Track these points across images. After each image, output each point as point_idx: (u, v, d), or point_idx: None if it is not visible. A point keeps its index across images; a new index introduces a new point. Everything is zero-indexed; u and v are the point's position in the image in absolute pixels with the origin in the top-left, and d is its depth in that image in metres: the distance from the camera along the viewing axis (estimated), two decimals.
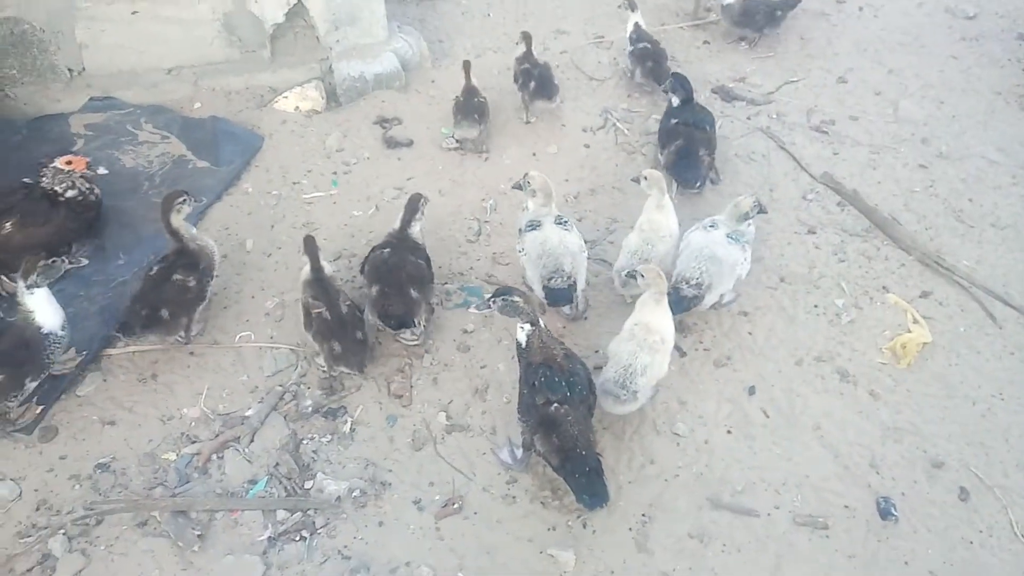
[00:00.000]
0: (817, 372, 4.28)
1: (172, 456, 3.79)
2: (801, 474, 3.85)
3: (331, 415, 4.01)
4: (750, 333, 4.46)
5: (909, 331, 4.44)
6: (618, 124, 5.84)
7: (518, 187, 4.44)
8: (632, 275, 3.98)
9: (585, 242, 4.87)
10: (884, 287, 4.73)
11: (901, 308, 4.58)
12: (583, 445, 3.42)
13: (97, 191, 4.50)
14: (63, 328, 3.71)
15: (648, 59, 5.99)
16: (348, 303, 4.08)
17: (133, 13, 5.33)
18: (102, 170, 4.55)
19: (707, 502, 3.74)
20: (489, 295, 3.68)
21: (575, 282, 4.17)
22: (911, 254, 4.92)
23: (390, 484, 3.76)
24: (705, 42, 6.80)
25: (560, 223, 4.30)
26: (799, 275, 4.78)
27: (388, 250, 4.22)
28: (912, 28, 7.03)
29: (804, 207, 5.26)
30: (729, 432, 4.02)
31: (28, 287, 3.62)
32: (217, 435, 3.86)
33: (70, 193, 4.35)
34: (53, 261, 3.71)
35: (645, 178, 4.43)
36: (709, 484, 3.81)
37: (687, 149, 5.15)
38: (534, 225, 4.30)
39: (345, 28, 5.82)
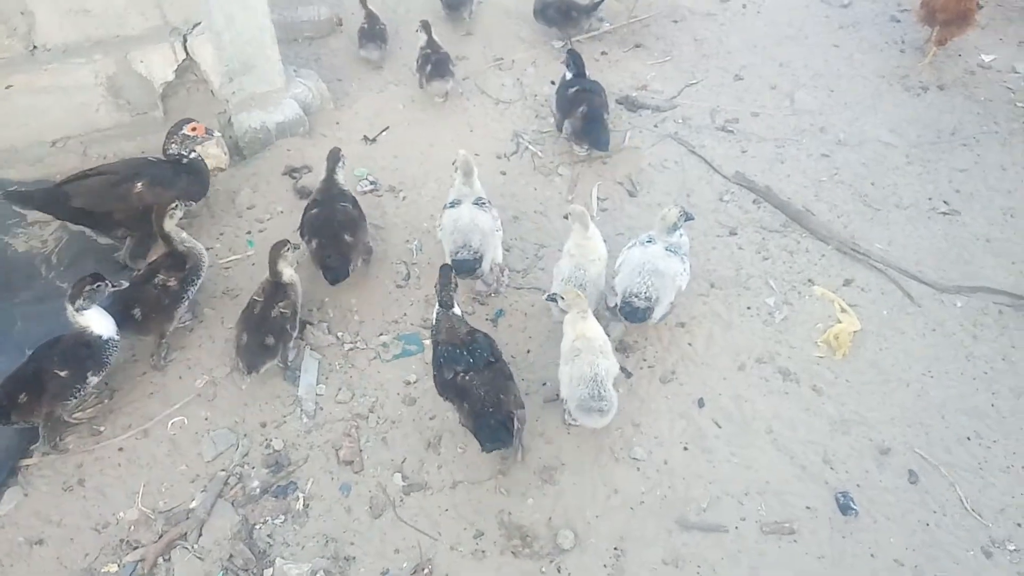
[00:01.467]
0: (760, 374, 4.30)
1: (113, 568, 3.46)
2: (761, 481, 3.85)
3: (281, 493, 3.76)
4: (690, 344, 4.44)
5: (839, 321, 4.52)
6: (531, 147, 5.75)
7: (453, 164, 4.67)
8: (552, 298, 3.98)
9: (516, 271, 4.82)
10: (809, 280, 4.80)
11: (828, 299, 4.67)
12: (491, 403, 3.55)
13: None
14: (117, 334, 3.88)
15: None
16: (283, 310, 4.08)
17: (7, 88, 4.88)
18: (216, 133, 4.95)
19: (676, 525, 3.68)
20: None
21: (481, 256, 4.34)
22: (829, 244, 5.02)
23: (354, 558, 3.54)
24: (603, 53, 6.80)
25: (478, 203, 4.49)
26: (728, 278, 4.81)
27: (316, 209, 4.54)
28: (794, 21, 7.22)
29: (722, 209, 5.30)
30: (686, 448, 3.98)
31: (77, 309, 3.77)
32: (161, 535, 3.56)
33: (192, 155, 4.74)
34: (97, 285, 3.80)
35: (568, 215, 4.36)
36: (674, 505, 3.76)
37: (593, 112, 5.40)
38: (454, 203, 4.51)
39: (241, 78, 5.52)
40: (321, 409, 4.06)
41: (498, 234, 4.49)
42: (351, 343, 4.37)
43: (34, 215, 4.88)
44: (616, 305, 4.30)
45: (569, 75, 5.73)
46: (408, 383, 4.21)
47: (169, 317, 4.14)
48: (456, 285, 3.93)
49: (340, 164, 4.77)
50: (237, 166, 5.45)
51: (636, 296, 4.16)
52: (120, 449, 3.85)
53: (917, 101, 6.28)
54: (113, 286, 3.86)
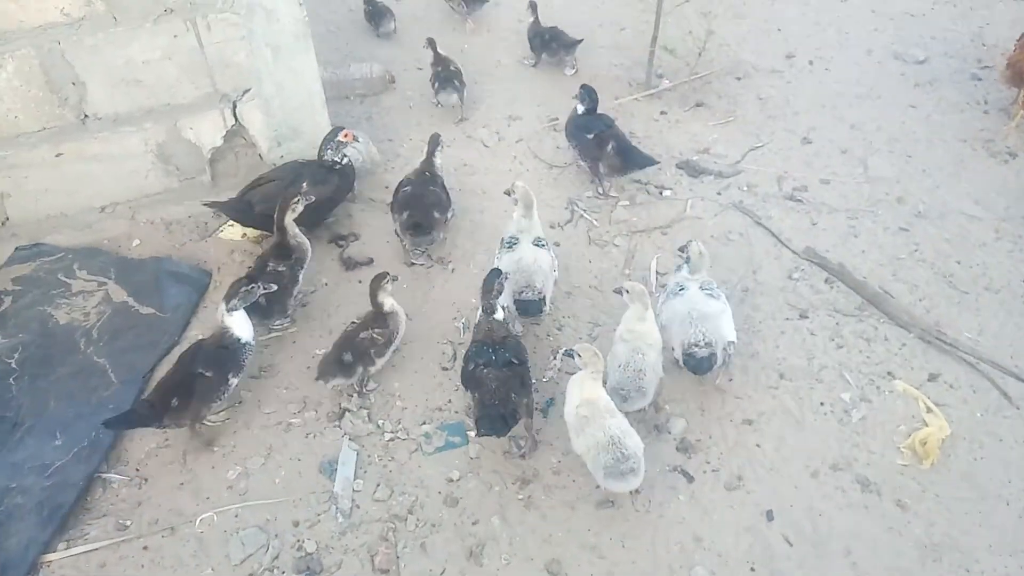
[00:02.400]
0: (836, 484, 3.85)
1: None
2: None
3: None
4: (758, 445, 4.02)
5: (925, 423, 4.05)
6: (586, 215, 5.44)
7: (507, 193, 4.66)
8: (569, 354, 3.78)
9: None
10: (889, 373, 4.34)
11: (912, 396, 4.20)
12: (501, 398, 3.66)
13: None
14: (254, 339, 4.06)
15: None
16: (377, 336, 4.16)
17: (57, 156, 4.80)
18: (362, 137, 5.66)
19: None
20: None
21: (544, 296, 4.38)
22: (910, 331, 4.55)
23: None
24: (662, 112, 6.48)
25: (538, 244, 4.49)
26: (799, 369, 4.38)
27: (409, 188, 4.98)
28: (865, 79, 6.80)
29: (791, 288, 4.88)
30: (753, 570, 3.55)
31: (229, 310, 3.94)
32: None
33: (344, 160, 5.16)
34: (252, 287, 4.01)
35: (627, 291, 4.03)
36: None
37: (621, 144, 5.46)
38: (511, 243, 4.51)
39: (289, 143, 5.36)
40: (357, 507, 3.76)
41: (555, 275, 4.53)
42: (392, 432, 4.07)
43: (78, 284, 4.76)
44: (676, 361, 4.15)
45: (581, 109, 5.60)
46: (451, 480, 3.87)
47: (288, 295, 4.50)
48: (500, 291, 3.96)
49: (439, 148, 5.18)
50: None
51: (695, 346, 4.00)
52: (145, 548, 3.59)
53: (1004, 168, 5.77)
54: (264, 289, 4.07)
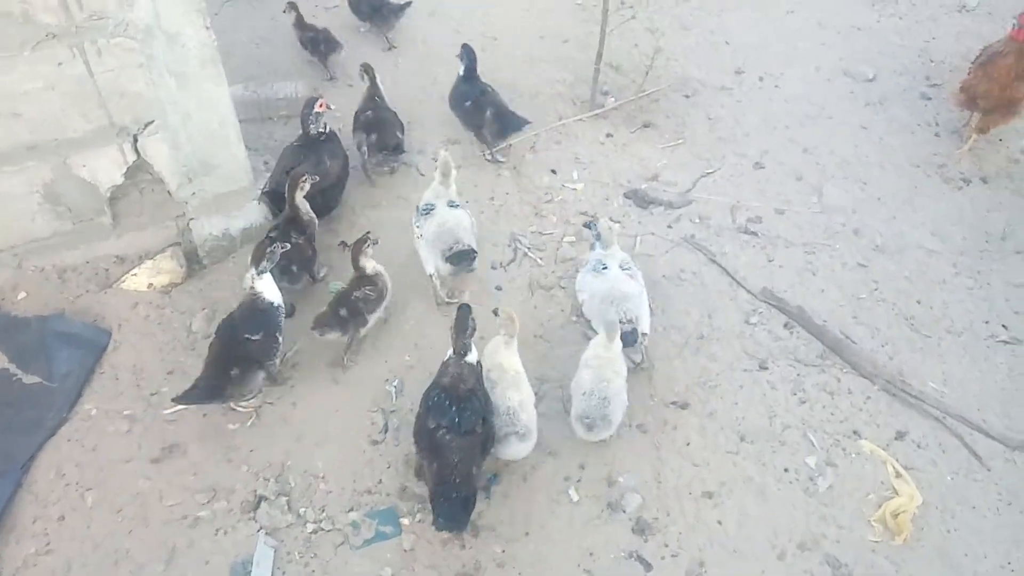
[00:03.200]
0: (805, 566, 3.50)
1: None
2: None
3: None
4: (720, 522, 3.64)
5: (895, 490, 3.73)
6: (529, 253, 4.99)
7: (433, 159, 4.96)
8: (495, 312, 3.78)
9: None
10: (855, 432, 4.01)
11: (880, 458, 3.88)
12: (460, 474, 3.30)
13: None
14: (282, 301, 4.01)
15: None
16: (369, 293, 4.21)
17: None
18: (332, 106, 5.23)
19: None
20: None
21: (473, 247, 4.36)
22: (874, 382, 4.23)
23: None
24: (608, 135, 6.04)
25: (452, 205, 4.50)
26: (760, 429, 4.02)
27: (370, 112, 5.37)
28: (816, 97, 6.48)
29: (749, 334, 4.52)
30: None
31: (260, 272, 3.89)
32: None
33: (328, 129, 5.08)
34: (274, 246, 3.98)
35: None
36: None
37: (499, 110, 5.51)
38: (428, 209, 4.49)
39: (201, 179, 4.74)
40: None
41: (475, 232, 4.54)
42: (315, 523, 3.55)
43: None
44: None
45: (462, 69, 5.66)
46: None
47: (313, 263, 4.62)
48: (474, 329, 3.54)
49: (375, 74, 5.55)
50: (197, 278, 4.66)
51: (620, 323, 3.90)
52: None
53: (959, 196, 5.51)
54: (282, 247, 4.03)
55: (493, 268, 4.83)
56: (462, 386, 3.42)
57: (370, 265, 4.25)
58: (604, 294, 4.10)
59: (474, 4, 7.50)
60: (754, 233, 5.19)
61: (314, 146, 4.97)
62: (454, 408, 3.35)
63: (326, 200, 4.91)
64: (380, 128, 5.24)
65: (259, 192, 4.93)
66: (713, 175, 5.69)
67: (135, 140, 4.45)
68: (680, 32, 7.17)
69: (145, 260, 4.55)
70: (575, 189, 5.45)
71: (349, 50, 6.50)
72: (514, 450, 3.59)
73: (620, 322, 3.86)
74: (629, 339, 3.91)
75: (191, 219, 4.75)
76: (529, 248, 5.00)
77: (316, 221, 4.65)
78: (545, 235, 5.12)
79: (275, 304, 3.94)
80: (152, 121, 4.44)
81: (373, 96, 5.47)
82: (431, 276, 4.47)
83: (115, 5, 4.04)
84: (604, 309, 4.03)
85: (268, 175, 5.07)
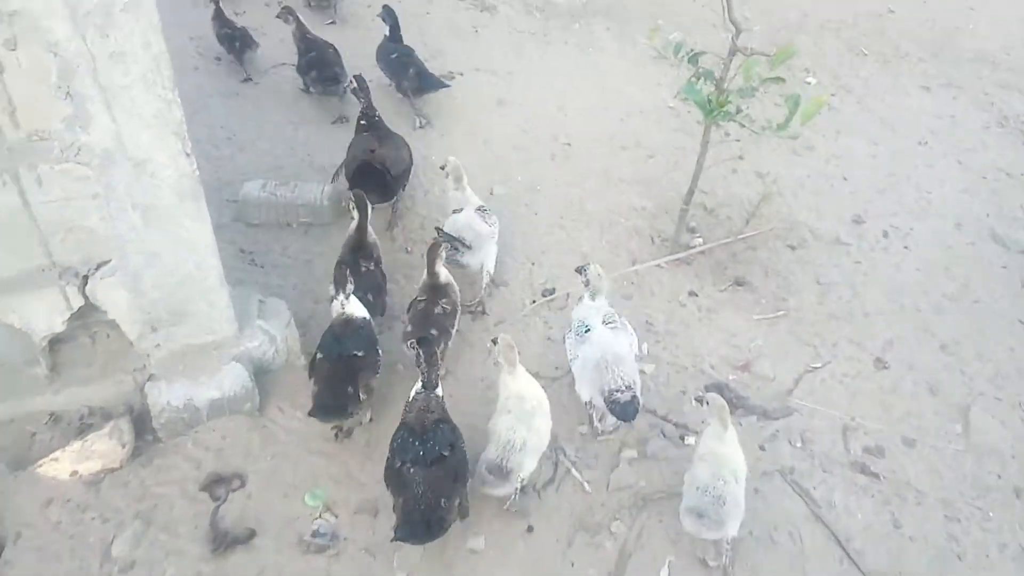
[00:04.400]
0: None
1: None
2: None
3: None
4: None
5: None
6: (574, 470, 3.74)
7: (441, 167, 4.68)
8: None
9: None
10: None
11: None
12: (426, 504, 3.08)
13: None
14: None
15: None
16: (445, 307, 3.97)
17: None
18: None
19: None
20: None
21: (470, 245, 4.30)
22: None
23: None
24: (691, 293, 4.77)
25: (480, 211, 4.48)
26: None
27: (314, 52, 5.75)
28: (956, 267, 5.09)
29: None
30: None
31: (347, 295, 3.68)
32: None
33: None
34: (349, 270, 3.76)
35: (708, 402, 3.36)
36: None
37: (420, 69, 5.79)
38: (456, 212, 4.49)
39: (169, 328, 3.65)
40: None
41: (494, 240, 4.47)
42: None
43: None
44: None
45: (388, 31, 5.90)
46: None
47: (383, 293, 4.27)
48: (440, 362, 3.44)
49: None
50: (138, 463, 3.53)
51: (617, 391, 3.54)
52: None
53: None
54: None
55: (524, 490, 3.58)
56: (428, 417, 3.24)
57: (444, 273, 4.03)
58: (595, 360, 3.63)
59: (548, 95, 6.38)
60: (874, 475, 3.84)
61: (381, 129, 4.94)
62: (417, 443, 3.18)
63: (397, 184, 4.78)
64: (319, 64, 5.69)
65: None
66: (821, 371, 4.36)
67: (84, 282, 3.39)
68: (789, 155, 5.90)
69: (73, 441, 3.44)
70: (644, 371, 4.19)
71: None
72: (494, 489, 3.37)
73: (616, 390, 3.53)
74: (629, 410, 3.53)
75: (147, 382, 3.66)
76: (575, 463, 3.75)
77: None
78: (600, 439, 3.87)
79: (366, 319, 3.76)
80: (108, 261, 3.38)
81: (304, 35, 5.80)
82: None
83: (63, 124, 2.99)
84: (599, 377, 3.59)
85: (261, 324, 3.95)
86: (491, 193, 5.31)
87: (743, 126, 4.35)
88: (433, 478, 3.10)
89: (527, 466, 3.34)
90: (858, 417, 4.10)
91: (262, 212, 4.88)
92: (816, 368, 4.36)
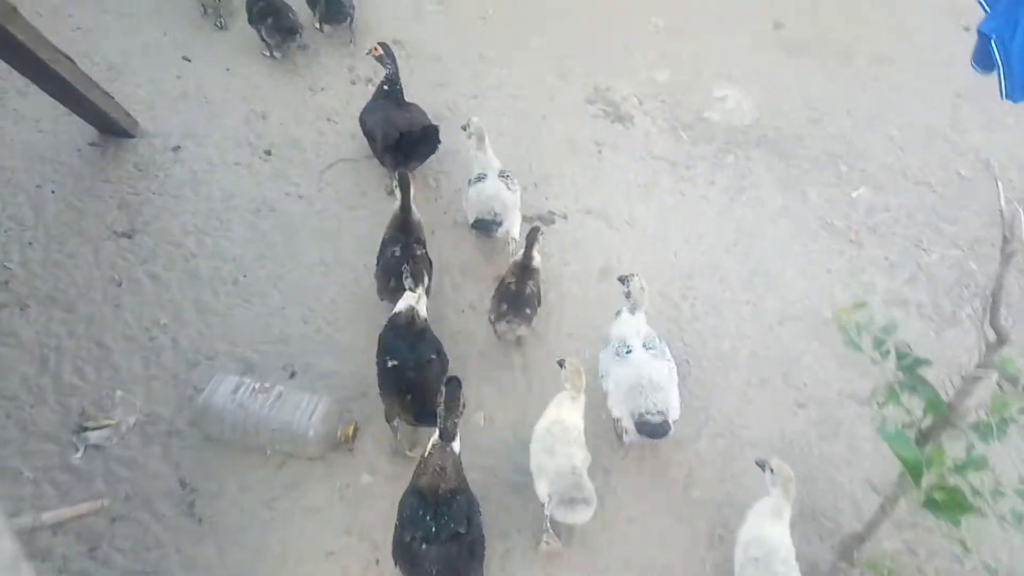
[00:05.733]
0: None
1: None
2: None
3: None
4: None
5: None
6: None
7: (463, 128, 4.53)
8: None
9: None
10: None
11: None
12: None
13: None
14: None
15: None
16: (533, 288, 3.94)
17: None
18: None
19: None
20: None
21: (501, 221, 4.21)
22: None
23: None
24: None
25: (503, 176, 4.33)
26: None
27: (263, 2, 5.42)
28: None
29: None
30: None
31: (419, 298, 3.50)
32: None
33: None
34: (406, 267, 3.56)
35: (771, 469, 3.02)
36: None
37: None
38: (480, 177, 4.30)
39: None
40: None
41: (518, 207, 4.37)
42: None
43: None
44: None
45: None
46: None
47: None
48: (463, 410, 2.84)
49: None
50: None
51: (648, 413, 3.36)
52: None
53: None
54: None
55: None
56: (442, 486, 2.85)
57: (537, 258, 3.98)
58: (631, 383, 3.42)
59: (672, 268, 4.68)
60: None
61: (400, 96, 4.74)
62: (428, 517, 2.82)
63: (429, 148, 4.63)
64: (275, 13, 5.33)
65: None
66: None
67: None
68: None
69: None
70: None
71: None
72: (578, 516, 3.18)
73: (649, 413, 3.36)
74: (660, 431, 3.35)
75: None
76: None
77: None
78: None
79: (425, 317, 3.47)
80: None
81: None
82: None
83: None
84: (632, 400, 3.41)
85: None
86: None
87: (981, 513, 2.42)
88: (448, 556, 2.82)
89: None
90: None
91: (226, 428, 3.45)
92: None
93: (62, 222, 4.31)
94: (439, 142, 4.59)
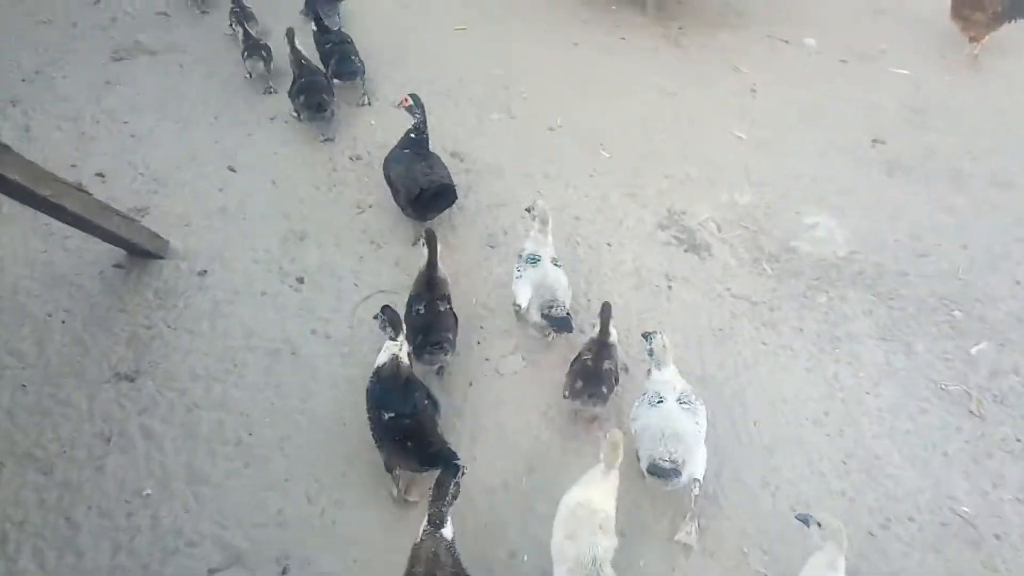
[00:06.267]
0: None
1: None
2: None
3: None
4: None
5: None
6: None
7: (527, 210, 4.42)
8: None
9: None
10: None
11: None
12: None
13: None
14: None
15: None
16: (610, 367, 3.76)
17: None
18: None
19: None
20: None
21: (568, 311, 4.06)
22: None
23: None
24: None
25: (556, 264, 4.20)
26: None
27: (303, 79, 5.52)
28: None
29: None
30: None
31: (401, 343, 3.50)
32: None
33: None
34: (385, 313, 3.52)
35: (819, 524, 2.90)
36: None
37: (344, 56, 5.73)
38: (534, 260, 4.16)
39: None
40: None
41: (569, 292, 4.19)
42: None
43: None
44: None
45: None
46: None
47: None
48: (456, 495, 2.88)
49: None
50: None
51: (662, 459, 3.27)
52: None
53: None
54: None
55: None
56: (438, 574, 2.76)
57: (614, 333, 3.83)
58: (655, 430, 3.35)
59: (752, 451, 3.83)
60: None
61: (425, 147, 4.79)
62: None
63: (446, 203, 4.68)
64: (309, 91, 5.42)
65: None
66: None
67: None
68: None
69: None
70: None
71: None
72: None
73: (662, 460, 3.26)
74: (667, 478, 3.26)
75: None
76: None
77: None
78: None
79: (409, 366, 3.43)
80: None
81: (299, 61, 5.63)
82: (518, 308, 4.10)
83: None
84: (651, 445, 3.33)
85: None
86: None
87: None
88: None
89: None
90: None
91: None
92: None
93: (64, 359, 3.89)
94: (455, 198, 4.70)
